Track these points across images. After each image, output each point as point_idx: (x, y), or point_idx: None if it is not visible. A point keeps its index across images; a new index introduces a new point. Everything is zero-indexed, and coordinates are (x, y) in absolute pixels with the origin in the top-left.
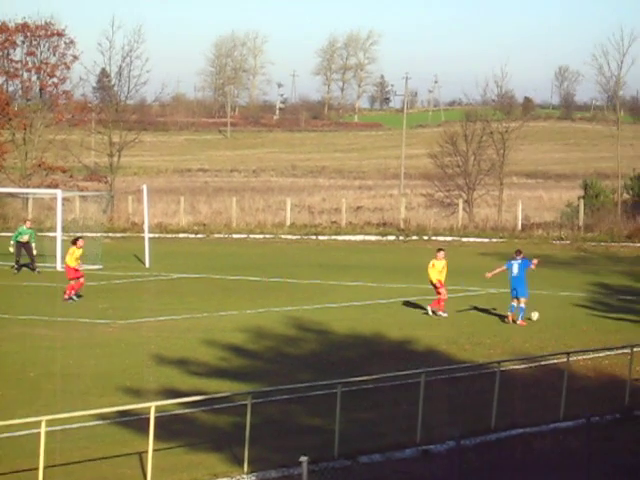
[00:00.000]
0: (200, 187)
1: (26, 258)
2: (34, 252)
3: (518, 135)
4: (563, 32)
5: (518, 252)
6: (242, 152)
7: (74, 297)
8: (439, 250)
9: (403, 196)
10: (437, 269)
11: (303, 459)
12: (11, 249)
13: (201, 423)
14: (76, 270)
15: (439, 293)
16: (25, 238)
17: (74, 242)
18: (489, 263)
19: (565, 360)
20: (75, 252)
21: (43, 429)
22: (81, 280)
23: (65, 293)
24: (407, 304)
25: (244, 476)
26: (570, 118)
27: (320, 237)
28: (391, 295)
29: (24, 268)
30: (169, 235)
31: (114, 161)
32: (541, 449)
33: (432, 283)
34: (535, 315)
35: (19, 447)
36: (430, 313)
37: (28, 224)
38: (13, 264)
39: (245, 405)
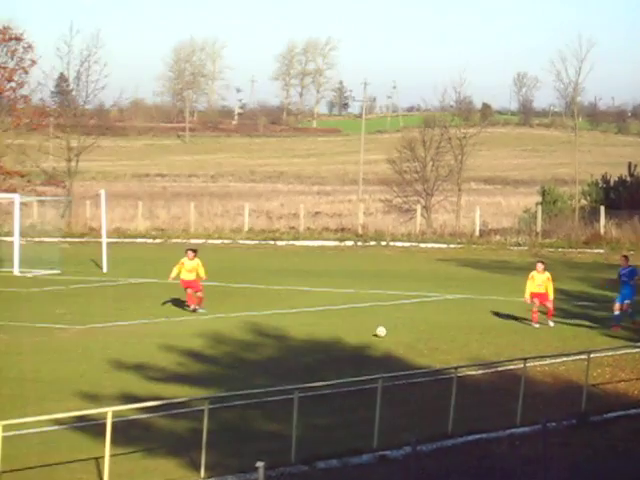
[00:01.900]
0: (158, 192)
1: None
2: None
3: (476, 141)
4: (522, 38)
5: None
6: (200, 157)
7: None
8: (539, 262)
9: (361, 202)
10: (536, 282)
11: (260, 464)
12: None
13: (158, 428)
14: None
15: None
16: None
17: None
18: (446, 268)
19: (522, 366)
20: (186, 264)
21: (0, 434)
22: (199, 294)
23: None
24: (365, 310)
25: None
26: (528, 124)
27: (278, 242)
28: (349, 300)
29: None
30: (127, 240)
31: (72, 166)
32: (498, 455)
33: (530, 296)
34: (382, 331)
35: None
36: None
37: None
38: None
39: (202, 410)
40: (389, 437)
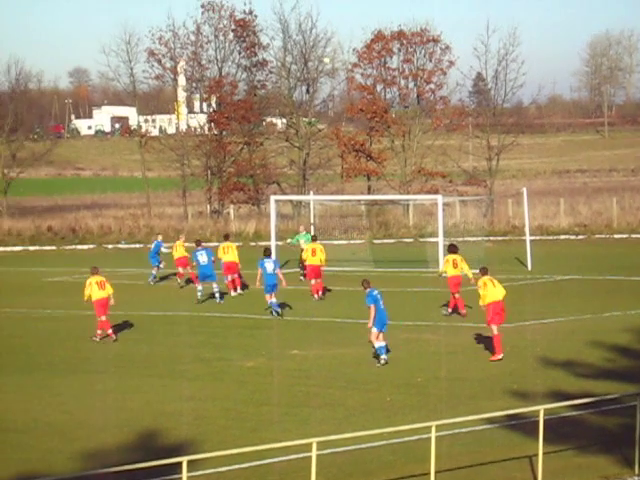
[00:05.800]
0: (579, 188)
1: None
2: None
3: None
4: None
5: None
6: (620, 151)
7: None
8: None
9: None
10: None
11: None
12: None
13: (589, 425)
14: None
15: None
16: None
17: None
18: None
19: None
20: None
21: (433, 434)
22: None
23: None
24: None
25: (635, 478)
26: None
27: None
28: None
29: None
30: (550, 237)
31: (492, 165)
32: None
33: None
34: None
35: (410, 452)
36: None
37: (302, 228)
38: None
39: (634, 406)
40: None
